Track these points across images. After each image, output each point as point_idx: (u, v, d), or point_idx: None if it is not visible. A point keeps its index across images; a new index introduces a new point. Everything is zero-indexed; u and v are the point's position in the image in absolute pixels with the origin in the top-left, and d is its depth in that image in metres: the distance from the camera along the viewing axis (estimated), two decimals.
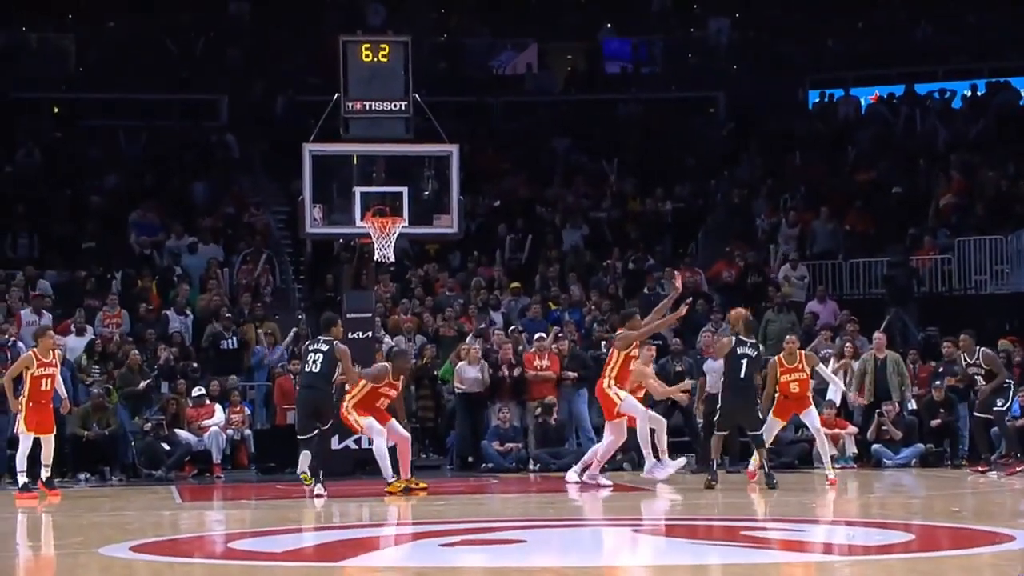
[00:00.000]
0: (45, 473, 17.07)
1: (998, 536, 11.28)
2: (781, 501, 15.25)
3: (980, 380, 18.66)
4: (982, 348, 18.72)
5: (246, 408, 20.71)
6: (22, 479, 16.84)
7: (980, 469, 18.27)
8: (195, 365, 21.20)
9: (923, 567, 9.79)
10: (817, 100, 32.33)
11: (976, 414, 19.03)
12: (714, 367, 19.61)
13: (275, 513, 14.83)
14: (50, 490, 16.99)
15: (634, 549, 11.32)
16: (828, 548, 11.17)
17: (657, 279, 24.76)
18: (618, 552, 11.19)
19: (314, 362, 16.06)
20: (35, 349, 17.10)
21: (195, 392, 20.29)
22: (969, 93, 31.09)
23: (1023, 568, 9.45)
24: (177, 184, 28.20)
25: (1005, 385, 18.68)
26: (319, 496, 15.70)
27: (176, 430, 19.74)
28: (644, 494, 16.32)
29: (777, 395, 16.83)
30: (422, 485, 16.55)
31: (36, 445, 17.01)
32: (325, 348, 16.09)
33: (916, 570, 9.62)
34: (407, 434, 16.81)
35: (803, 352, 17.51)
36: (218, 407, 20.31)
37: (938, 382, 20.16)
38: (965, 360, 18.81)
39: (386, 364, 16.96)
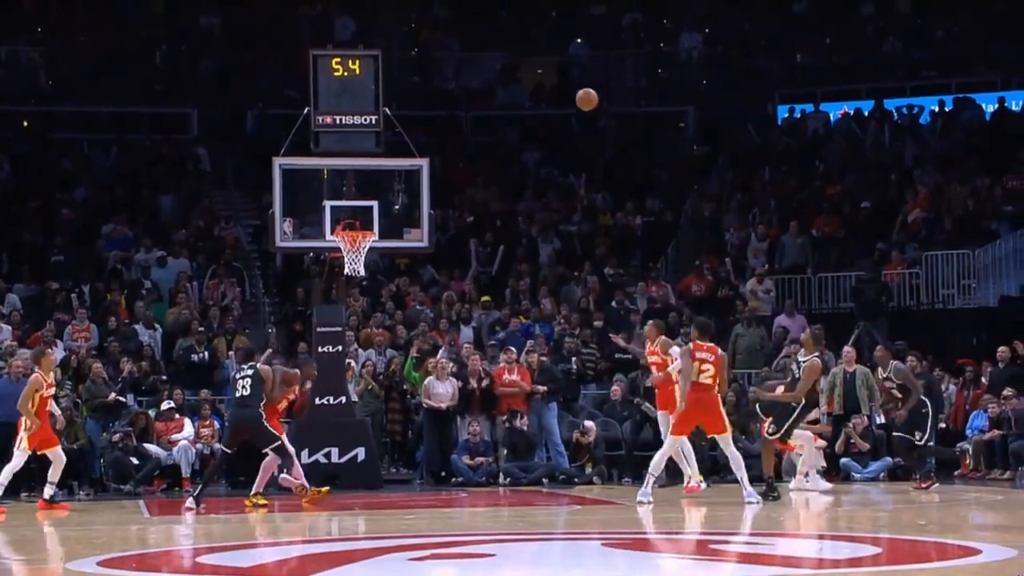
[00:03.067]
0: (49, 491, 17.10)
1: (965, 550, 11.33)
2: (750, 514, 15.30)
3: (896, 394, 18.03)
4: (895, 362, 18.04)
5: (216, 422, 20.67)
6: None
7: (923, 486, 17.80)
8: (164, 378, 21.15)
9: None
10: (786, 115, 32.49)
11: (896, 435, 18.37)
12: None
13: (244, 528, 14.80)
14: (56, 504, 17.03)
15: (602, 563, 11.33)
16: (796, 561, 11.17)
17: (628, 293, 24.88)
18: (587, 566, 11.20)
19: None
20: (39, 370, 17.03)
21: (164, 406, 20.24)
22: (937, 109, 31.31)
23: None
24: (147, 197, 28.15)
25: (924, 411, 18.00)
26: (189, 509, 16.05)
27: (145, 444, 19.68)
28: (614, 508, 16.34)
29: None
30: (263, 502, 16.74)
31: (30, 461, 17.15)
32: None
33: None
34: (292, 450, 17.15)
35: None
36: (187, 421, 20.26)
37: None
38: (880, 374, 18.17)
39: (297, 371, 17.31)
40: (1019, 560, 10.50)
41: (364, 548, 12.40)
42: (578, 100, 15.99)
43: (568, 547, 12.70)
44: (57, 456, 17.07)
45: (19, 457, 16.90)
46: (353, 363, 20.86)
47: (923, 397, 18.03)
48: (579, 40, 33.64)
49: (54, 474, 17.06)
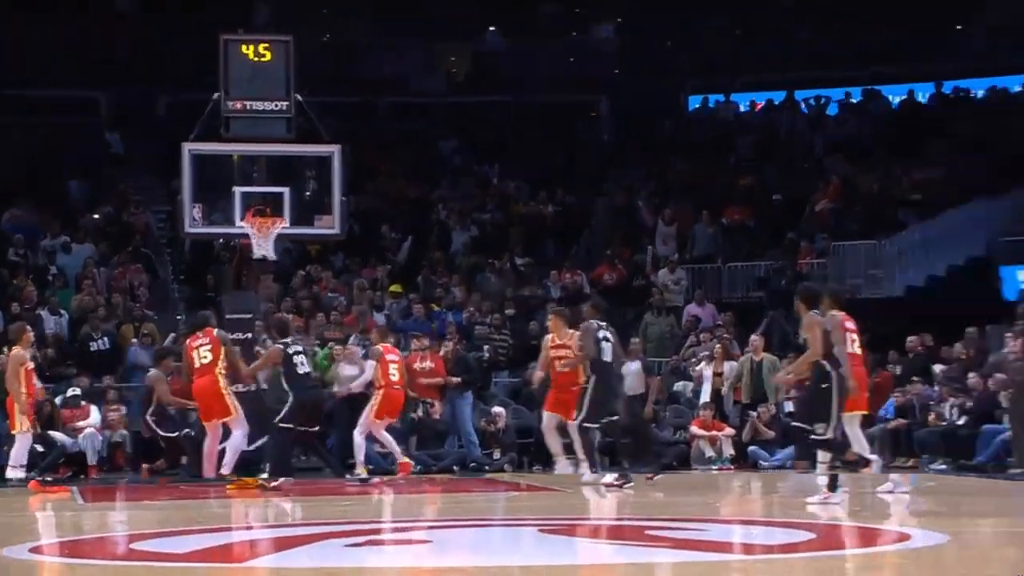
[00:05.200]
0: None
1: (896, 535, 11.48)
2: (686, 501, 15.35)
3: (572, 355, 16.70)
4: (574, 331, 16.73)
5: (123, 409, 20.44)
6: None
7: (649, 478, 16.97)
8: (69, 363, 20.91)
9: (825, 565, 9.90)
10: (699, 105, 32.70)
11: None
12: (631, 369, 19.88)
13: (180, 514, 14.63)
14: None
15: (540, 549, 11.30)
16: (731, 547, 11.18)
17: (541, 282, 24.96)
18: (523, 552, 11.17)
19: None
20: (19, 347, 17.20)
21: (69, 392, 20.01)
22: (847, 99, 31.65)
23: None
24: (54, 182, 27.79)
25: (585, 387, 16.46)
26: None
27: (50, 431, 19.42)
28: (551, 494, 16.33)
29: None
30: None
31: None
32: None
33: (818, 569, 9.72)
34: None
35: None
36: (94, 408, 20.02)
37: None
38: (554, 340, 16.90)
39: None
40: (950, 544, 10.65)
41: (301, 534, 12.25)
42: None
43: (505, 533, 12.63)
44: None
45: (24, 440, 17.08)
46: (262, 351, 20.71)
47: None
48: (493, 28, 33.65)
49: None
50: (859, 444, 14.58)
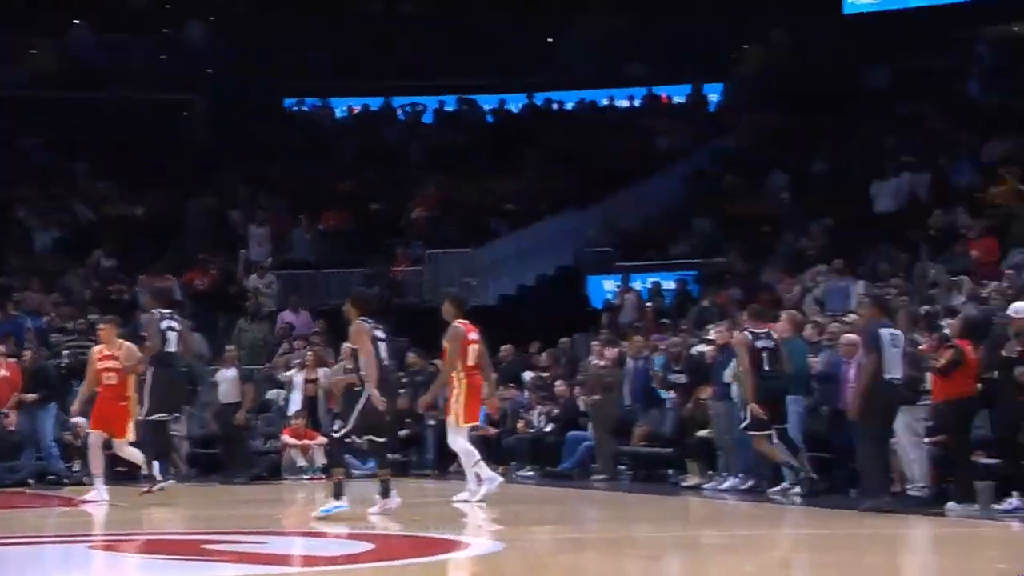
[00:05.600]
0: None
1: (455, 543, 11.59)
2: (248, 514, 15.12)
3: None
4: (124, 342, 16.34)
5: None
6: None
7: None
8: None
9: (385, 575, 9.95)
10: (296, 108, 32.45)
11: None
12: (227, 376, 19.62)
13: None
14: None
15: (87, 567, 10.89)
16: (292, 560, 11.10)
17: (131, 286, 24.14)
18: (71, 570, 10.73)
19: None
20: None
21: None
22: (441, 108, 32.03)
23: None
24: None
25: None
26: None
27: None
28: (108, 509, 15.67)
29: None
30: None
31: None
32: None
33: None
34: None
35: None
36: None
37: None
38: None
39: None
40: (506, 552, 10.77)
41: None
42: None
43: (54, 551, 12.09)
44: None
45: None
46: None
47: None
48: (77, 22, 32.30)
49: None
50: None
